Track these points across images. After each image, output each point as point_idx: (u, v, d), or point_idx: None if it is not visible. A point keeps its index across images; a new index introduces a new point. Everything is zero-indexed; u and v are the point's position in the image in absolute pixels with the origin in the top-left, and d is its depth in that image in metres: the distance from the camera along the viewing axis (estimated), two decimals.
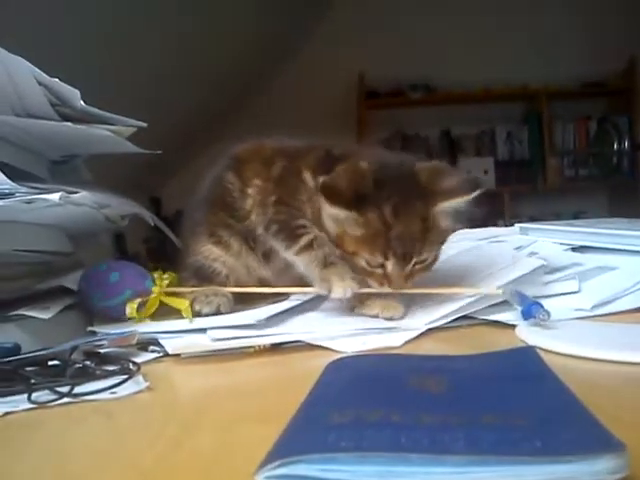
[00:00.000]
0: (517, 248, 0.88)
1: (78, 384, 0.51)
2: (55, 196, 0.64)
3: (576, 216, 3.60)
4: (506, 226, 1.07)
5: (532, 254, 0.83)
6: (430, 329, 0.65)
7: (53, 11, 1.81)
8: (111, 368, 0.55)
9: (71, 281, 0.77)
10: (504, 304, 0.69)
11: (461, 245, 0.90)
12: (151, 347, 0.65)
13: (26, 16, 1.69)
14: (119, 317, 0.74)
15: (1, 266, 0.70)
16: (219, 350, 0.61)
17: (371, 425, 0.32)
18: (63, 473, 0.37)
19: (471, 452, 0.28)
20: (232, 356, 0.61)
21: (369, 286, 0.69)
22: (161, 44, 2.45)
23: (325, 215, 0.69)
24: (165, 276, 0.78)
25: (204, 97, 3.18)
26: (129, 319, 0.73)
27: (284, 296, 0.76)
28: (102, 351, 0.61)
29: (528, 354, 0.47)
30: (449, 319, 0.67)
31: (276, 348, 0.62)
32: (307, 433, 0.32)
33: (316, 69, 3.78)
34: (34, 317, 0.66)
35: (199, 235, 0.81)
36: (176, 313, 0.73)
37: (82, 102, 0.69)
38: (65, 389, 0.50)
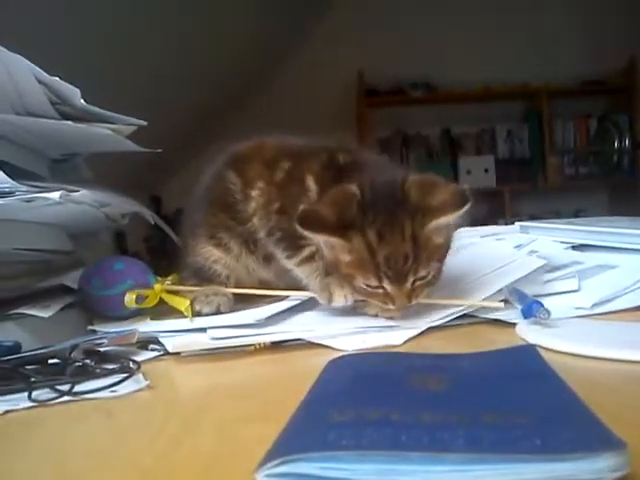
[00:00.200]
0: (517, 246, 0.88)
1: (78, 382, 0.51)
2: (55, 195, 0.64)
3: (576, 214, 3.60)
4: (506, 224, 1.07)
5: (532, 252, 0.83)
6: (430, 327, 0.65)
7: (53, 11, 1.81)
8: (111, 366, 0.55)
9: (71, 280, 0.77)
10: (505, 302, 0.68)
11: (461, 242, 0.90)
12: (151, 345, 0.65)
13: (26, 16, 1.69)
14: (117, 310, 0.74)
15: (1, 265, 0.70)
16: (219, 348, 0.61)
17: (371, 423, 0.32)
18: (63, 471, 0.37)
19: (471, 450, 0.28)
20: (232, 354, 0.61)
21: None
22: (161, 44, 2.45)
23: (319, 241, 0.68)
24: (169, 278, 0.78)
25: (204, 96, 3.18)
26: (128, 316, 0.73)
27: (284, 296, 0.76)
28: (102, 349, 0.61)
29: (528, 352, 0.47)
30: (449, 318, 0.67)
31: (276, 346, 0.62)
32: (307, 431, 0.32)
33: (316, 68, 3.78)
34: (34, 316, 0.66)
35: (199, 236, 0.81)
36: (177, 313, 0.73)
37: (82, 100, 0.69)
38: (65, 387, 0.50)
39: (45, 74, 0.66)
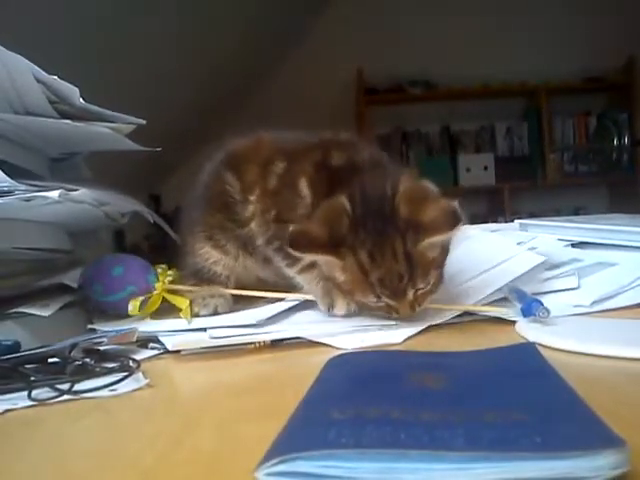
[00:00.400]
0: (517, 244, 0.88)
1: (78, 381, 0.51)
2: (54, 194, 0.64)
3: (576, 212, 3.61)
4: (506, 222, 1.07)
5: (532, 250, 0.83)
6: (430, 325, 0.65)
7: (53, 11, 1.81)
8: (111, 365, 0.55)
9: (71, 278, 0.77)
10: (504, 300, 0.69)
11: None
12: (151, 344, 0.65)
13: (26, 16, 1.69)
14: (118, 311, 0.74)
15: (0, 264, 0.70)
16: (219, 346, 0.61)
17: (371, 422, 0.32)
18: (63, 471, 0.37)
19: (471, 448, 0.28)
20: (232, 353, 0.61)
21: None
22: (160, 43, 2.45)
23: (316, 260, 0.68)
24: (170, 272, 0.78)
25: (203, 94, 3.17)
26: (129, 316, 0.73)
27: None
28: (102, 348, 0.61)
29: (528, 350, 0.47)
30: (449, 317, 0.67)
31: (276, 345, 0.62)
32: (307, 430, 0.32)
33: (315, 66, 3.78)
34: (34, 314, 0.66)
35: (197, 236, 0.80)
36: (177, 312, 0.73)
37: (81, 99, 0.69)
38: (65, 386, 0.50)
39: (44, 73, 0.66)
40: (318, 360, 0.48)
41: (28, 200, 0.64)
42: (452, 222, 0.63)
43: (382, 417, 0.33)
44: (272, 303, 0.74)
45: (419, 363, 0.47)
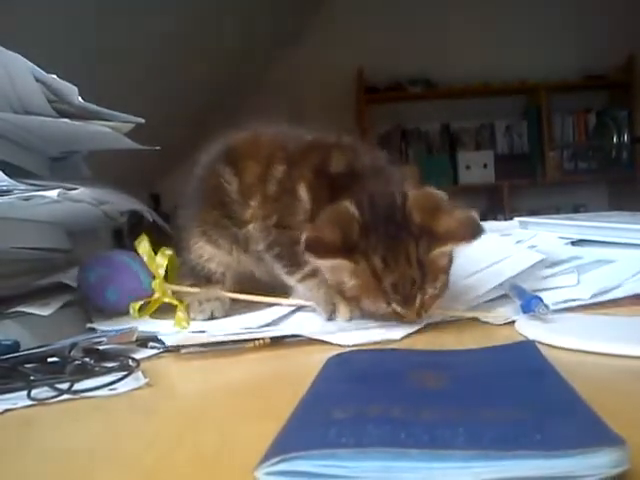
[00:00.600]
0: (517, 242, 0.88)
1: (77, 381, 0.51)
2: (53, 193, 0.64)
3: (576, 209, 3.61)
4: (506, 220, 1.07)
5: (531, 248, 0.83)
6: (430, 323, 0.65)
7: (53, 11, 1.80)
8: (110, 365, 0.55)
9: (70, 278, 0.77)
10: (504, 298, 0.68)
11: None
12: (150, 343, 0.64)
13: (26, 16, 1.68)
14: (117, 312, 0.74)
15: (0, 263, 0.70)
16: (219, 343, 0.61)
17: (371, 421, 0.32)
18: (62, 470, 0.37)
19: (471, 447, 0.28)
20: (231, 352, 0.61)
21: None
22: (160, 43, 2.45)
23: (322, 267, 0.67)
24: (166, 253, 0.76)
25: (203, 93, 3.17)
26: (129, 314, 0.73)
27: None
28: (101, 348, 0.61)
29: (528, 349, 0.47)
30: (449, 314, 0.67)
31: (276, 343, 0.62)
32: (307, 429, 0.32)
33: (315, 65, 3.77)
34: (33, 314, 0.66)
35: (192, 232, 0.80)
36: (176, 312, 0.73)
37: (80, 98, 0.69)
38: (64, 386, 0.50)
39: (42, 72, 0.66)
40: (318, 358, 0.48)
41: (27, 199, 0.64)
42: (474, 232, 0.63)
43: (382, 416, 0.32)
44: (270, 307, 0.73)
45: (419, 362, 0.47)
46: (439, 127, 4.02)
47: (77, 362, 0.55)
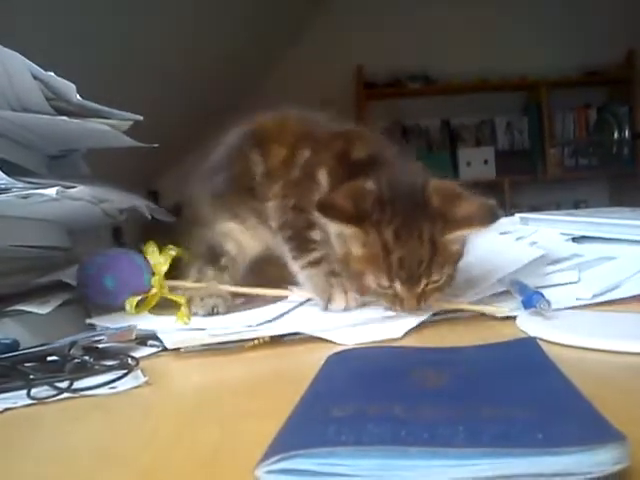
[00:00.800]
0: (518, 239, 0.88)
1: (77, 379, 0.51)
2: (52, 191, 0.63)
3: (576, 205, 3.60)
4: (506, 216, 1.06)
5: (532, 244, 0.83)
6: (431, 320, 0.65)
7: (53, 11, 1.80)
8: (110, 363, 0.55)
9: (69, 276, 0.77)
10: (506, 295, 0.68)
11: None
12: (150, 341, 0.64)
13: (26, 16, 1.68)
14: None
15: None
16: (218, 344, 0.61)
17: (371, 419, 0.32)
18: (62, 469, 0.37)
19: (471, 445, 0.28)
20: (231, 350, 0.60)
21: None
22: (160, 42, 2.45)
23: (331, 233, 0.68)
24: (170, 252, 0.75)
25: (202, 90, 3.16)
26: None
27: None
28: (101, 346, 0.61)
29: (529, 345, 0.47)
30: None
31: (276, 341, 0.62)
32: (307, 427, 0.32)
33: (315, 62, 3.76)
34: (32, 312, 0.66)
35: (214, 208, 0.81)
36: (176, 307, 0.72)
37: (78, 96, 0.69)
38: (64, 384, 0.50)
39: (41, 70, 0.66)
40: (318, 356, 0.48)
41: (25, 197, 0.64)
42: (490, 218, 0.64)
43: (382, 414, 0.32)
44: (272, 303, 0.73)
45: (419, 359, 0.47)
46: (439, 123, 4.01)
47: (76, 360, 0.55)
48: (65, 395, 0.49)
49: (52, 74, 0.67)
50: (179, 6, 2.36)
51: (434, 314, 0.66)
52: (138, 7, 2.14)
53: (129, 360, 0.55)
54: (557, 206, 3.61)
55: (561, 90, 3.87)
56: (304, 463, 0.28)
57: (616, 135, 3.83)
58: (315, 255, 0.72)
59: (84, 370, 0.53)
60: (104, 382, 0.50)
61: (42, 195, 0.64)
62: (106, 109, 0.72)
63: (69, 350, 0.58)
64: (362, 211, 0.64)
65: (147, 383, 0.51)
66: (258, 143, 0.79)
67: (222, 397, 0.49)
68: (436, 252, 0.63)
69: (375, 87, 3.83)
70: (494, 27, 3.81)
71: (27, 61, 0.65)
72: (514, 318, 0.62)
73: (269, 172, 0.78)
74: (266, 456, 0.29)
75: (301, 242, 0.73)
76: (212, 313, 0.73)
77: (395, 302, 0.65)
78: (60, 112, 0.69)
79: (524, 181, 3.89)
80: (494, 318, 0.65)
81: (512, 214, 1.04)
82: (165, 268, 0.74)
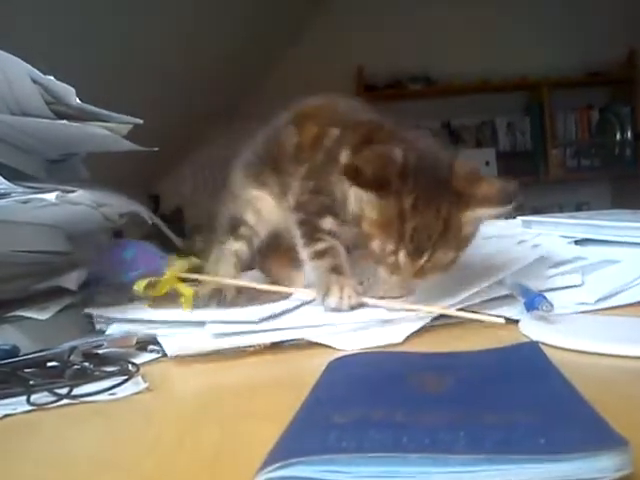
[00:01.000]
0: (520, 242, 0.87)
1: (77, 385, 0.51)
2: (51, 195, 0.63)
3: (579, 207, 3.60)
4: (508, 219, 1.06)
5: (535, 247, 0.82)
6: (432, 324, 0.64)
7: (53, 12, 1.80)
8: (110, 369, 0.55)
9: (69, 281, 0.77)
10: (508, 299, 0.68)
11: None
12: (150, 346, 0.64)
13: (26, 16, 1.68)
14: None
15: None
16: (218, 350, 0.61)
17: (373, 425, 0.31)
18: (62, 476, 0.37)
19: (473, 451, 0.28)
20: (232, 355, 0.60)
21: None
22: (160, 43, 2.45)
23: (351, 195, 0.69)
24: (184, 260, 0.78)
25: (202, 93, 3.17)
26: (131, 301, 0.73)
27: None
28: (101, 352, 0.61)
29: (531, 350, 0.47)
30: (452, 309, 0.66)
31: (276, 346, 0.62)
32: (308, 434, 0.32)
33: (315, 63, 3.76)
34: (32, 318, 0.66)
35: (244, 180, 0.84)
36: (178, 302, 0.72)
37: (77, 99, 0.68)
38: (64, 391, 0.49)
39: (40, 74, 0.66)
40: (319, 362, 0.48)
41: (25, 202, 0.64)
42: (505, 200, 0.65)
43: (384, 420, 0.32)
44: (275, 301, 0.73)
45: (421, 365, 0.46)
46: (439, 125, 4.01)
47: (76, 366, 0.55)
48: (65, 401, 0.49)
49: (52, 78, 0.66)
50: (179, 6, 2.36)
51: (435, 318, 0.65)
52: (138, 7, 2.14)
53: (129, 366, 0.55)
54: (559, 208, 3.60)
55: (563, 90, 3.87)
56: (304, 470, 0.28)
57: (618, 136, 3.82)
58: (320, 246, 0.73)
59: (84, 376, 0.53)
60: (104, 388, 0.50)
61: (42, 200, 0.63)
62: (105, 112, 0.72)
63: (69, 356, 0.58)
64: (385, 179, 0.64)
65: (148, 389, 0.51)
66: (295, 119, 0.82)
67: (223, 403, 0.48)
68: (448, 229, 0.64)
69: (375, 89, 3.82)
70: (494, 27, 3.81)
71: (26, 65, 0.65)
72: (516, 322, 0.62)
73: (300, 147, 0.79)
74: (266, 463, 0.29)
75: (309, 229, 0.74)
76: (218, 305, 0.73)
77: (393, 270, 0.66)
78: (60, 116, 0.69)
79: (526, 182, 3.88)
80: (496, 323, 0.64)
81: (514, 217, 1.03)
82: (183, 266, 0.76)
